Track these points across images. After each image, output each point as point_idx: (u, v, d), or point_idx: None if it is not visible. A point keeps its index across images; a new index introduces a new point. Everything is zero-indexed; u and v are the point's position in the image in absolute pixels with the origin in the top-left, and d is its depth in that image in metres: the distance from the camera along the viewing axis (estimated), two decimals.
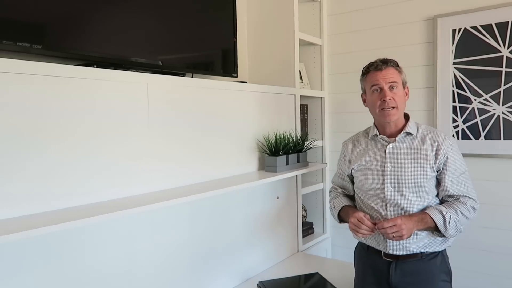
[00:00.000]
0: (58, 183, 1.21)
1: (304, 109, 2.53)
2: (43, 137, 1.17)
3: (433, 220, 1.46)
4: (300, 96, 2.34)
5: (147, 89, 1.46)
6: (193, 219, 1.68)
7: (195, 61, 1.90)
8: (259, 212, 2.04)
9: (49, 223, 1.05)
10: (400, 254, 1.55)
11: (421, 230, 1.50)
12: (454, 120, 2.18)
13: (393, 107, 1.53)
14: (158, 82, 1.51)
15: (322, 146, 2.62)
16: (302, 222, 2.50)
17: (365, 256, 1.69)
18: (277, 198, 2.17)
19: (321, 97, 2.60)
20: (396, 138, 1.57)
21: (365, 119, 2.52)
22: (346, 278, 1.92)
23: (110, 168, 1.35)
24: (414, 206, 1.52)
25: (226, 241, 1.84)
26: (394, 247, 1.56)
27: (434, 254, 1.55)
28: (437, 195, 1.56)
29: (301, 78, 2.51)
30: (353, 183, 1.75)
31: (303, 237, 2.49)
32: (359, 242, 1.73)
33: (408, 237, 1.44)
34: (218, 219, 1.80)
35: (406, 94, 1.60)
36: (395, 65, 1.58)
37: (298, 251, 2.36)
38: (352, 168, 1.70)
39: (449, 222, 1.46)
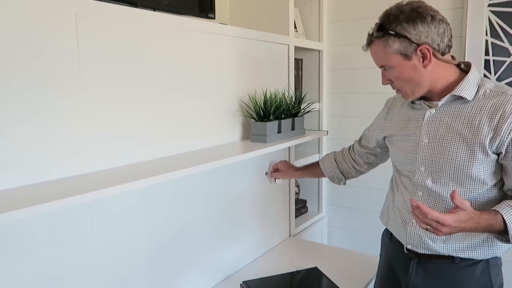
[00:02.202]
0: None
1: (298, 64, 2.06)
2: None
3: (506, 223, 1.01)
4: (294, 47, 1.87)
5: (75, 21, 0.98)
6: (151, 206, 1.24)
7: None
8: (242, 192, 1.62)
9: None
10: (421, 252, 1.18)
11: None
12: (485, 77, 1.75)
13: (398, 90, 1.16)
14: (94, 12, 1.02)
15: (319, 110, 2.18)
16: (295, 200, 2.10)
17: (389, 245, 1.33)
18: (266, 174, 1.75)
19: (319, 50, 2.14)
20: (439, 102, 1.12)
21: (373, 77, 2.07)
22: (351, 272, 1.55)
23: (18, 137, 0.89)
24: None
25: (197, 230, 1.42)
26: (413, 241, 1.19)
27: (474, 261, 1.15)
28: (500, 186, 1.12)
29: (295, 27, 2.03)
30: (380, 154, 1.45)
31: (296, 217, 2.10)
32: (385, 227, 1.36)
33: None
34: (186, 204, 1.37)
35: (425, 59, 1.07)
36: (383, 32, 1.07)
37: (290, 235, 1.97)
38: (385, 137, 1.32)
39: None
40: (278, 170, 1.72)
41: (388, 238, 1.33)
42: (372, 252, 2.09)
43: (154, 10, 1.38)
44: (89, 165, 1.04)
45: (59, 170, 0.97)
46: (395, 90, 1.18)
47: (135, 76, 1.13)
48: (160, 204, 1.26)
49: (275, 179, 1.74)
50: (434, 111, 1.14)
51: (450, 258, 1.15)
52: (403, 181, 1.24)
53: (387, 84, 1.17)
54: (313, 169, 1.64)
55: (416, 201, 0.98)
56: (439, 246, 1.15)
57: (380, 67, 1.15)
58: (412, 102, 1.21)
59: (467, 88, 1.09)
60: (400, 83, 1.13)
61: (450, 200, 1.09)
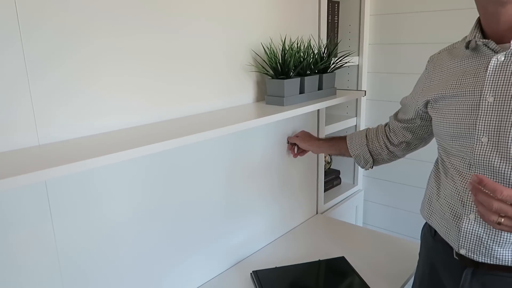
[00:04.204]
0: None
1: (334, 8, 1.70)
2: None
3: None
4: None
5: None
6: (147, 179, 1.01)
7: None
8: (258, 162, 1.35)
9: None
10: (480, 261, 0.86)
11: None
12: None
13: None
14: None
15: (358, 65, 1.82)
16: (325, 171, 1.81)
17: (432, 245, 1.01)
18: (288, 142, 1.46)
19: None
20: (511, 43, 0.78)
21: (429, 22, 1.68)
22: (385, 264, 1.27)
23: None
24: None
25: (202, 208, 1.19)
26: (469, 244, 0.87)
27: None
28: None
29: None
30: (419, 130, 1.11)
31: (326, 190, 1.83)
32: (426, 221, 1.05)
33: None
34: (188, 177, 1.13)
35: None
36: None
37: (317, 212, 1.70)
38: (428, 101, 0.98)
39: None
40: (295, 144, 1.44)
41: (431, 236, 1.01)
42: (414, 234, 1.79)
43: None
44: (72, 131, 0.81)
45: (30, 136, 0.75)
46: None
47: (124, 21, 0.86)
48: (157, 177, 1.03)
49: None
50: (503, 57, 0.79)
51: None
52: (453, 163, 0.90)
53: None
54: (337, 142, 1.32)
55: (479, 175, 0.66)
56: (509, 252, 0.83)
57: None
58: (466, 47, 0.87)
59: None
60: None
61: None
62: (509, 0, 0.75)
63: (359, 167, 1.29)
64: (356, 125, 1.89)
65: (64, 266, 0.88)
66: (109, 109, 0.90)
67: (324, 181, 1.75)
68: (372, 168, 1.26)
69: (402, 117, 1.14)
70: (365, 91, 1.62)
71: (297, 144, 1.42)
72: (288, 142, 1.45)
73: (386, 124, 1.22)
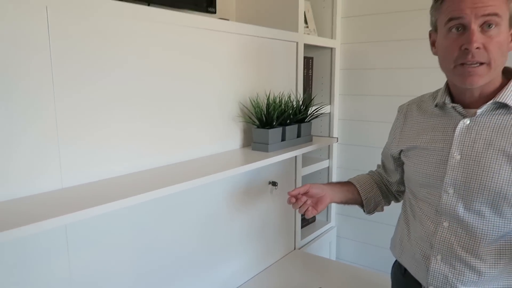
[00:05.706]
0: None
1: (308, 63, 1.91)
2: None
3: None
4: (304, 45, 1.72)
5: (46, 17, 0.85)
6: (139, 222, 1.12)
7: None
8: (241, 203, 1.48)
9: None
10: None
11: None
12: None
13: (482, 63, 0.87)
14: (69, 5, 0.89)
15: (330, 113, 2.03)
16: None
17: (402, 282, 1.13)
18: (269, 183, 1.61)
19: (331, 48, 1.97)
20: (478, 110, 0.92)
21: (391, 77, 1.92)
22: None
23: None
24: (489, 228, 0.92)
25: (184, 247, 1.29)
26: (436, 282, 0.99)
27: None
28: None
29: (305, 22, 1.88)
30: (399, 171, 1.20)
31: (302, 227, 1.97)
32: (396, 260, 1.17)
33: None
34: (171, 219, 1.24)
35: None
36: None
37: (295, 248, 1.83)
38: (401, 150, 1.11)
39: None
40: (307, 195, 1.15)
41: (401, 273, 1.12)
42: (383, 268, 1.94)
43: (149, 5, 1.25)
44: (59, 181, 0.92)
45: (18, 188, 0.85)
46: (457, 67, 0.90)
47: (120, 77, 1.00)
48: (141, 221, 1.14)
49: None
50: (469, 121, 0.94)
51: None
52: (421, 207, 1.04)
53: (477, 47, 0.86)
54: (347, 185, 1.24)
55: None
56: None
57: (486, 15, 0.85)
58: (436, 106, 1.01)
59: None
60: (496, 50, 0.87)
61: (484, 234, 0.92)
62: (473, 85, 0.90)
63: (365, 212, 1.25)
64: (328, 167, 2.06)
65: None
66: (90, 160, 1.01)
67: (301, 219, 1.89)
68: (383, 210, 1.27)
69: (387, 170, 1.24)
70: (337, 137, 1.81)
71: (310, 192, 1.14)
72: (269, 183, 1.59)
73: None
